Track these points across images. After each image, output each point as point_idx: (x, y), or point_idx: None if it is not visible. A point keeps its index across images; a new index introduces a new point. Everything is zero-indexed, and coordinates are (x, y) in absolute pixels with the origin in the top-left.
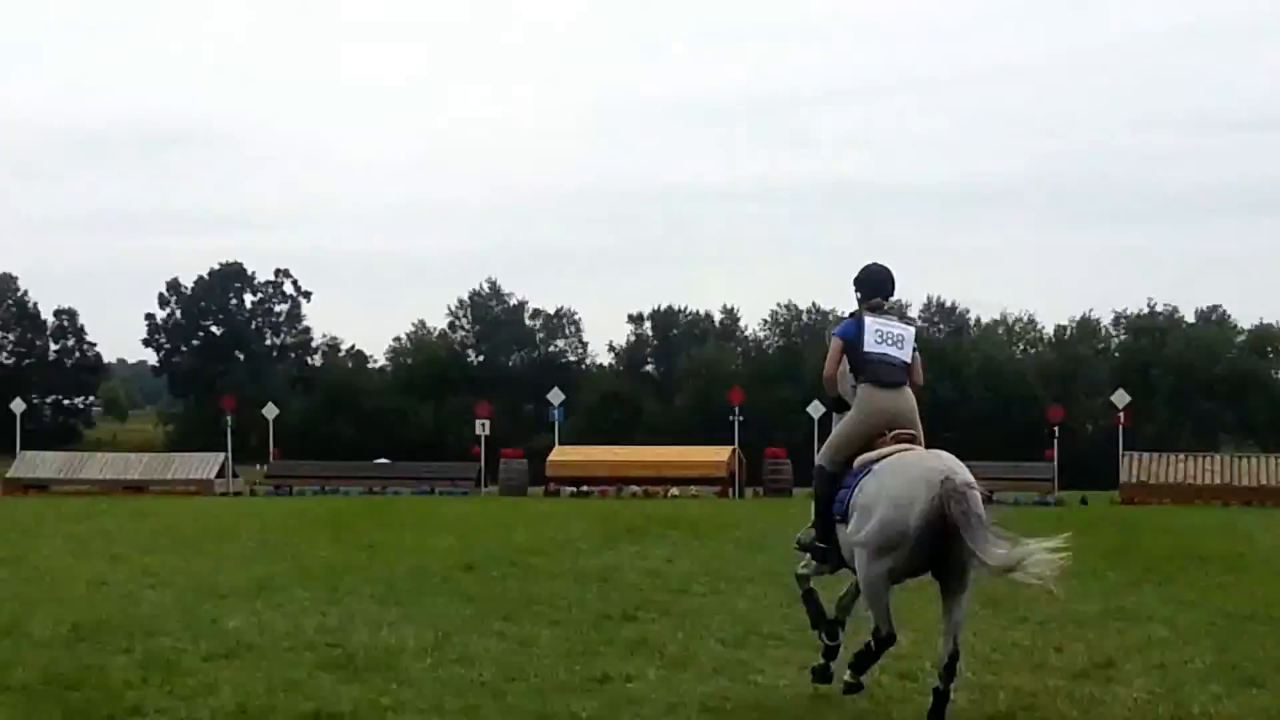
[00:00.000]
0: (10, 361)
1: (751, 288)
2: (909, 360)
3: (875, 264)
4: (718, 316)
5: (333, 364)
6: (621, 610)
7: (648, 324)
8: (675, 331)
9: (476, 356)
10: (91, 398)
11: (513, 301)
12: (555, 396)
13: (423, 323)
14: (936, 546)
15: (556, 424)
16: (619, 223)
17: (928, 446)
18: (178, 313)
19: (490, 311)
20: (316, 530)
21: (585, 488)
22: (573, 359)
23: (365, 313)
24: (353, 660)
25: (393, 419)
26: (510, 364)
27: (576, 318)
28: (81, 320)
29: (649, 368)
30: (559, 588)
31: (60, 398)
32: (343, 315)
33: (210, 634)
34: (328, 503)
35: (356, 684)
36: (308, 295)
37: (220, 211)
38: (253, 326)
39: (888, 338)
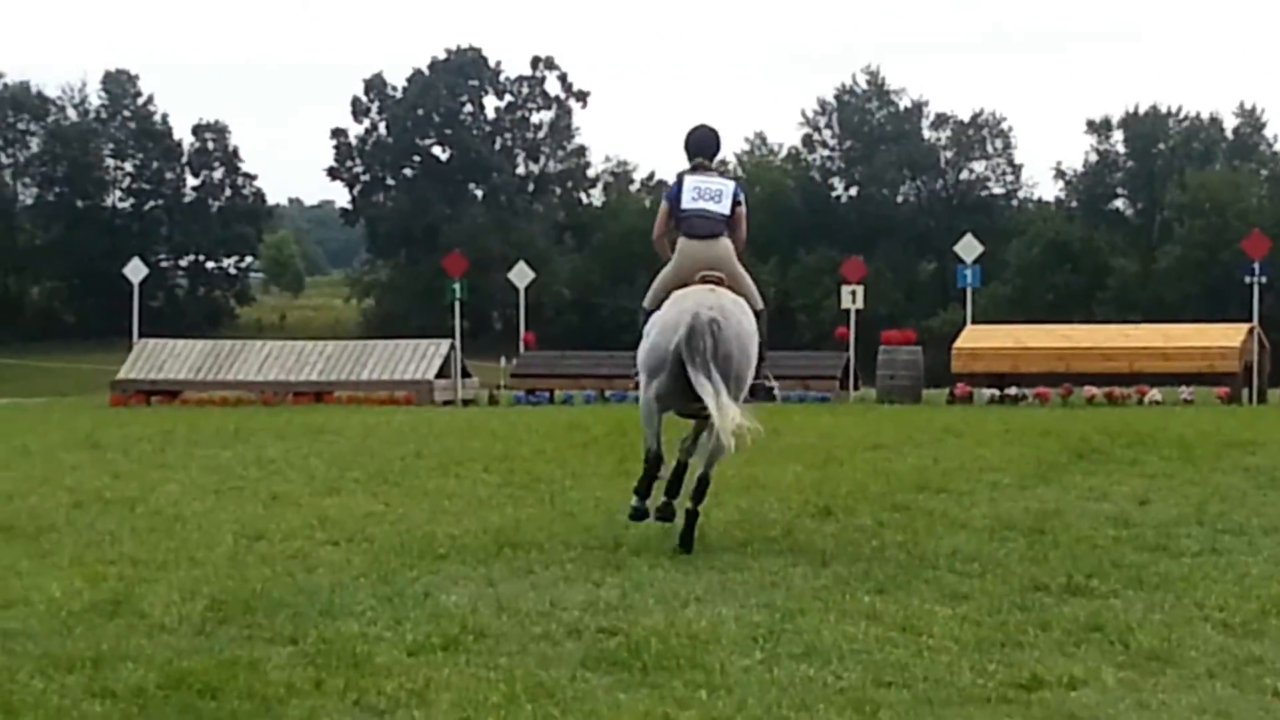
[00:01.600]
0: (127, 204)
1: None
2: (727, 213)
3: (700, 126)
4: (1230, 122)
5: (621, 204)
6: (1065, 577)
7: (1117, 135)
8: (1161, 146)
9: (845, 188)
10: (249, 258)
11: (903, 103)
12: (968, 249)
13: (761, 137)
14: (708, 372)
15: (969, 292)
16: None
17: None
18: (380, 127)
19: (868, 119)
20: (590, 456)
21: (1013, 389)
22: (997, 191)
23: (670, 124)
24: (640, 654)
25: None
26: (899, 199)
27: (1004, 126)
28: (234, 141)
29: (1118, 203)
30: (965, 543)
31: (201, 258)
32: (636, 128)
33: (421, 614)
34: (608, 415)
35: (645, 689)
36: (582, 98)
37: None
38: (497, 146)
39: (705, 194)
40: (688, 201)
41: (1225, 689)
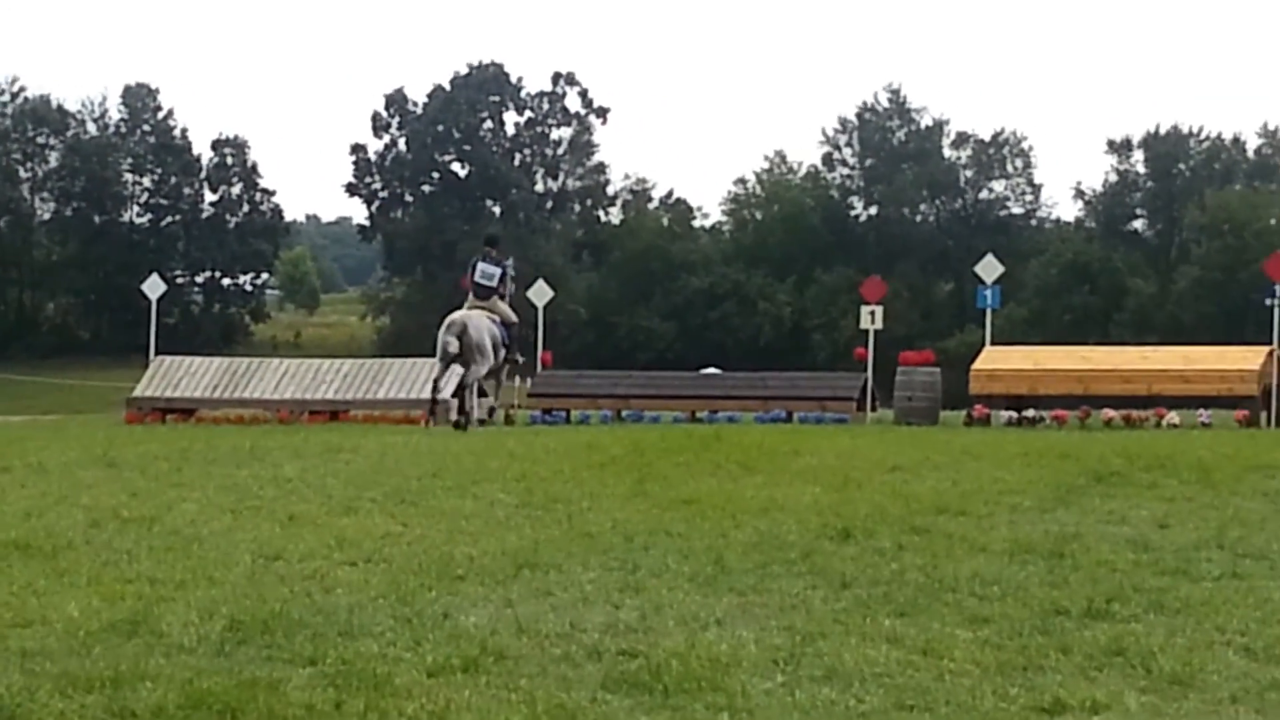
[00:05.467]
0: (145, 219)
1: None
2: (495, 284)
3: (489, 231)
4: (1252, 143)
5: (640, 222)
6: (1085, 602)
7: (1138, 155)
8: (1181, 167)
9: (865, 207)
10: (265, 275)
11: (924, 121)
12: (988, 270)
13: (781, 156)
14: (456, 350)
15: (988, 313)
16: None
17: None
18: (400, 143)
19: (888, 137)
20: (608, 476)
21: (1031, 412)
22: (1017, 211)
23: (691, 141)
24: (661, 676)
25: (729, 306)
26: (918, 219)
27: (1024, 146)
28: (253, 156)
29: (1137, 224)
30: (985, 566)
31: (218, 274)
32: (656, 146)
33: (440, 635)
34: (626, 434)
35: (666, 712)
36: (602, 114)
37: None
38: (516, 163)
39: (484, 274)
40: (476, 277)
41: (1249, 714)
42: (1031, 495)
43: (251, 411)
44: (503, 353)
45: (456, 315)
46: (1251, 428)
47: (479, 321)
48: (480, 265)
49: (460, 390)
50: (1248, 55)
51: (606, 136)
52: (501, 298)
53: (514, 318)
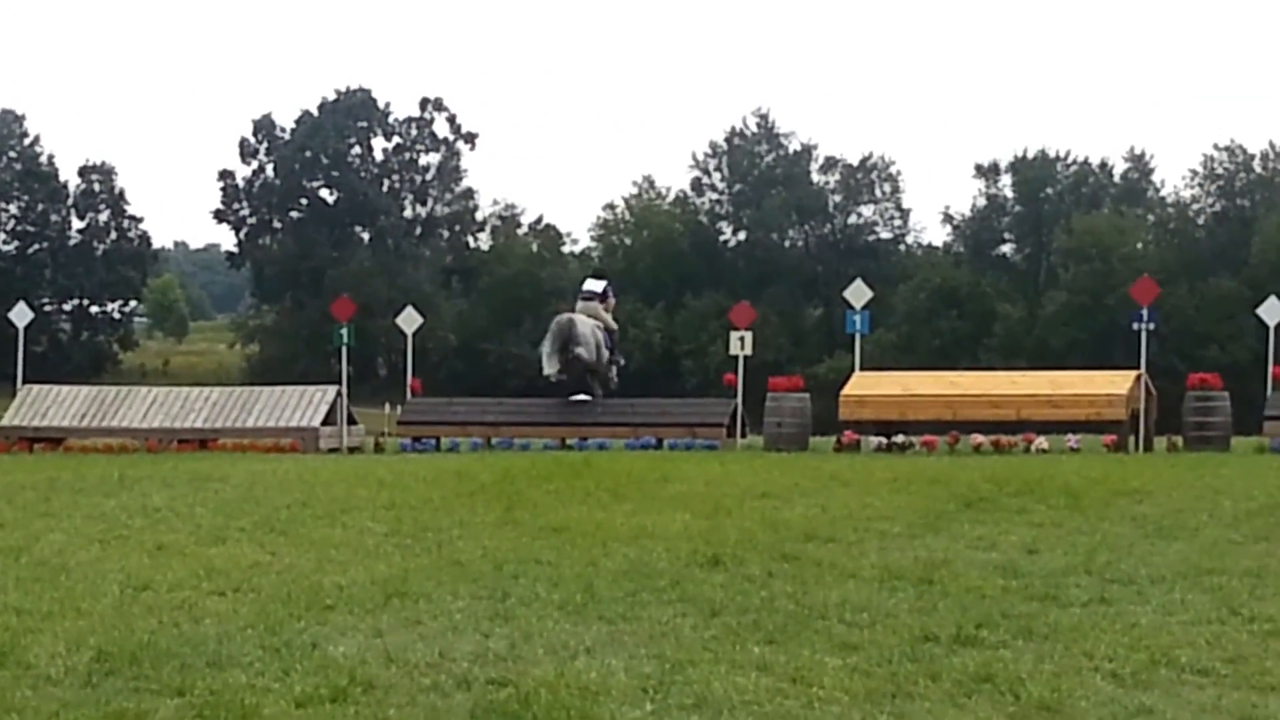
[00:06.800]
0: (11, 247)
1: (1174, 123)
2: (600, 292)
3: (596, 267)
4: (1119, 168)
5: (509, 248)
6: (954, 628)
7: (1005, 179)
8: (1049, 191)
9: (734, 232)
10: (134, 303)
11: (793, 146)
12: (857, 295)
13: (650, 181)
14: (560, 342)
15: (857, 339)
16: (958, 21)
17: None
18: (268, 169)
19: (757, 162)
20: (477, 504)
21: (901, 437)
22: (885, 236)
23: (560, 167)
24: (530, 705)
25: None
26: (786, 244)
27: (892, 170)
28: (120, 183)
29: (1005, 249)
30: (855, 593)
31: (85, 302)
32: (525, 171)
33: (309, 665)
34: (496, 462)
35: None
36: (471, 140)
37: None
38: (385, 189)
39: (590, 283)
40: (584, 287)
41: None
42: (901, 521)
43: (120, 440)
44: (605, 354)
45: (562, 316)
46: (1119, 452)
47: (582, 321)
48: (588, 280)
49: (573, 361)
50: (1114, 80)
51: (475, 162)
52: (606, 310)
53: (614, 325)
